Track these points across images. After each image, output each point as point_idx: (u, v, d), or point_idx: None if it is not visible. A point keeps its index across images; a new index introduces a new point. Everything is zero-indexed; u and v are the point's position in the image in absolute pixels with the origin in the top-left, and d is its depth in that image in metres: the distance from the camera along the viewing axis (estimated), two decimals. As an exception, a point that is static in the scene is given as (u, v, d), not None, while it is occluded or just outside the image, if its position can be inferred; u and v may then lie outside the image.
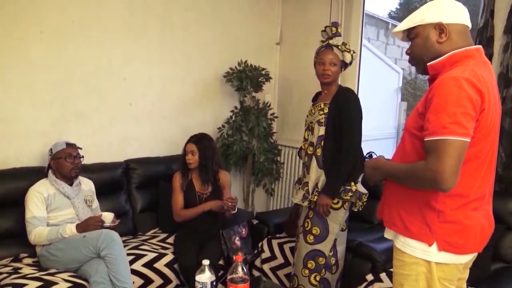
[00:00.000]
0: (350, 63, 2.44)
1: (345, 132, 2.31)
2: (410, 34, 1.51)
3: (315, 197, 2.33)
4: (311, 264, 2.38)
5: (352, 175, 2.33)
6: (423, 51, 1.48)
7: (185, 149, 2.83)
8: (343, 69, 2.44)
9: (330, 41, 2.37)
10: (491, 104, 1.35)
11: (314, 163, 2.38)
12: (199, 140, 2.84)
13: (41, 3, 2.70)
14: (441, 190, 1.34)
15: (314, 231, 2.37)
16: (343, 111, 2.32)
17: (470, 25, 1.45)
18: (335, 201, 2.33)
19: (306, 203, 2.38)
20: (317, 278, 2.39)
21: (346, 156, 2.28)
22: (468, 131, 1.29)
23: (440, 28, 1.42)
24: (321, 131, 2.36)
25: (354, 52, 2.41)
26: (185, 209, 2.79)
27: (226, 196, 2.75)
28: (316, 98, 2.53)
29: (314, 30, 3.56)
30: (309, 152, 2.42)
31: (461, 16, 1.43)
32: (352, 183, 2.33)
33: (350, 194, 2.32)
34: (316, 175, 2.37)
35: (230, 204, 2.65)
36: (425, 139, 1.34)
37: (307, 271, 2.39)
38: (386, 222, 1.58)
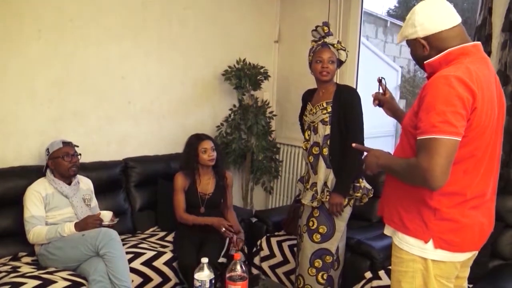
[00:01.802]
0: (344, 61, 2.44)
1: (351, 130, 2.31)
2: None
3: (327, 197, 2.33)
4: (318, 263, 2.38)
5: (360, 172, 2.34)
6: (416, 59, 1.54)
7: (197, 148, 2.75)
8: (338, 68, 2.44)
9: (326, 40, 2.37)
10: (484, 102, 1.35)
11: (321, 163, 2.37)
12: (209, 137, 2.85)
13: (39, 2, 2.69)
14: (431, 189, 1.35)
15: (321, 230, 2.37)
16: (348, 109, 2.32)
17: (455, 22, 1.43)
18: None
19: (315, 204, 2.37)
20: (324, 277, 2.39)
21: (354, 154, 2.29)
22: (457, 129, 1.30)
23: (420, 43, 1.45)
24: (327, 130, 2.36)
25: (348, 51, 2.42)
26: (188, 213, 2.74)
27: (233, 226, 2.71)
28: (308, 97, 2.53)
29: (313, 28, 3.56)
30: (314, 152, 2.41)
31: (439, 23, 1.42)
32: (360, 180, 2.36)
33: (360, 191, 2.34)
34: (325, 175, 2.37)
35: (227, 233, 2.61)
36: (417, 138, 1.36)
37: (314, 270, 2.39)
38: (386, 219, 1.60)
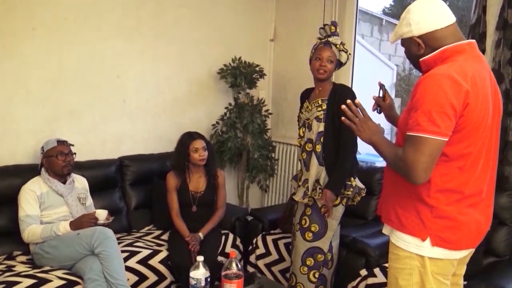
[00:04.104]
0: (344, 63, 2.44)
1: (345, 128, 2.30)
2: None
3: (319, 194, 2.33)
4: (309, 261, 2.39)
5: (352, 171, 2.35)
6: (411, 58, 1.54)
7: (188, 147, 2.74)
8: (337, 69, 2.43)
9: (330, 39, 2.38)
10: (478, 99, 1.36)
11: (314, 159, 2.38)
12: (202, 136, 2.83)
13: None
14: (412, 182, 1.39)
15: (313, 228, 2.37)
16: (342, 104, 2.31)
17: (450, 21, 1.43)
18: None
19: (306, 200, 2.38)
20: (316, 275, 2.39)
21: (348, 152, 2.30)
22: (441, 130, 1.31)
23: (415, 41, 1.46)
24: (321, 127, 2.36)
25: (350, 54, 2.43)
26: (181, 220, 2.71)
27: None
28: (306, 96, 2.53)
29: (308, 26, 3.57)
30: (307, 149, 2.42)
31: (434, 22, 1.43)
32: (352, 179, 2.35)
33: (351, 189, 2.34)
34: (317, 172, 2.37)
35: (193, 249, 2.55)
36: (406, 133, 1.39)
37: (306, 269, 2.40)
38: (384, 218, 1.60)
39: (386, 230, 1.62)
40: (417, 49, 1.47)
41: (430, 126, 1.31)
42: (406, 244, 1.47)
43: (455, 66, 1.36)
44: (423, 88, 1.35)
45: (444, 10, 1.44)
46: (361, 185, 2.42)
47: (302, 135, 2.48)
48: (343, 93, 2.36)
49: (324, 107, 2.36)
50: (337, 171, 2.31)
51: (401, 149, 1.40)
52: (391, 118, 1.78)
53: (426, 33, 1.44)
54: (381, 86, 1.79)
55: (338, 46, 2.36)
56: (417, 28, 1.44)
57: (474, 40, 1.48)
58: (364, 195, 2.42)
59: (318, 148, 2.36)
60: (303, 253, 2.39)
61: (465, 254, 1.52)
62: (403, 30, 1.48)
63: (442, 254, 1.44)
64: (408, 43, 1.50)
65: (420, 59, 1.47)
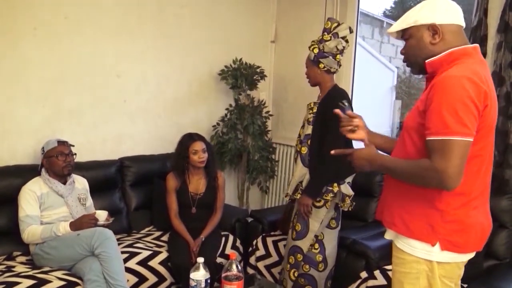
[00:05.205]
0: (313, 58, 2.34)
1: (329, 133, 2.25)
2: (404, 34, 1.50)
3: (298, 195, 2.36)
4: (291, 259, 2.41)
5: (340, 176, 2.32)
6: (417, 52, 1.47)
7: (187, 149, 2.73)
8: (321, 66, 2.33)
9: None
10: (493, 101, 1.35)
11: (299, 160, 2.41)
12: (202, 137, 2.83)
13: (34, -1, 2.68)
14: (446, 189, 1.33)
15: (297, 227, 2.40)
16: (328, 111, 2.23)
17: (464, 24, 1.45)
18: (317, 199, 2.34)
19: (287, 198, 2.43)
20: (295, 274, 2.41)
21: (330, 159, 2.24)
22: (470, 130, 1.28)
23: (434, 29, 1.42)
24: (308, 130, 2.38)
25: (316, 43, 2.33)
26: (179, 218, 2.74)
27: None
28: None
29: (309, 28, 3.57)
30: (298, 149, 2.46)
31: (455, 16, 1.43)
32: (335, 184, 2.31)
33: (331, 194, 2.31)
34: (301, 173, 2.39)
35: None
36: (428, 138, 1.33)
37: (288, 266, 2.43)
38: (387, 223, 1.56)
39: (389, 235, 1.58)
40: (432, 38, 1.42)
41: (459, 127, 1.27)
42: (413, 249, 1.45)
43: (470, 68, 1.34)
44: (442, 89, 1.30)
45: (461, 12, 1.44)
46: (348, 192, 2.35)
47: (300, 134, 2.49)
48: (331, 96, 2.32)
49: (315, 110, 2.36)
50: (315, 177, 2.32)
51: (422, 160, 1.34)
52: (374, 138, 1.65)
53: (448, 24, 1.41)
54: (343, 107, 1.70)
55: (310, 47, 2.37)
56: (442, 16, 1.41)
57: (478, 45, 1.47)
58: (349, 202, 2.37)
59: (304, 150, 2.37)
60: (288, 251, 2.43)
61: (472, 256, 1.49)
62: (422, 14, 1.43)
63: (450, 258, 1.42)
64: (420, 31, 1.44)
65: (427, 61, 1.44)
